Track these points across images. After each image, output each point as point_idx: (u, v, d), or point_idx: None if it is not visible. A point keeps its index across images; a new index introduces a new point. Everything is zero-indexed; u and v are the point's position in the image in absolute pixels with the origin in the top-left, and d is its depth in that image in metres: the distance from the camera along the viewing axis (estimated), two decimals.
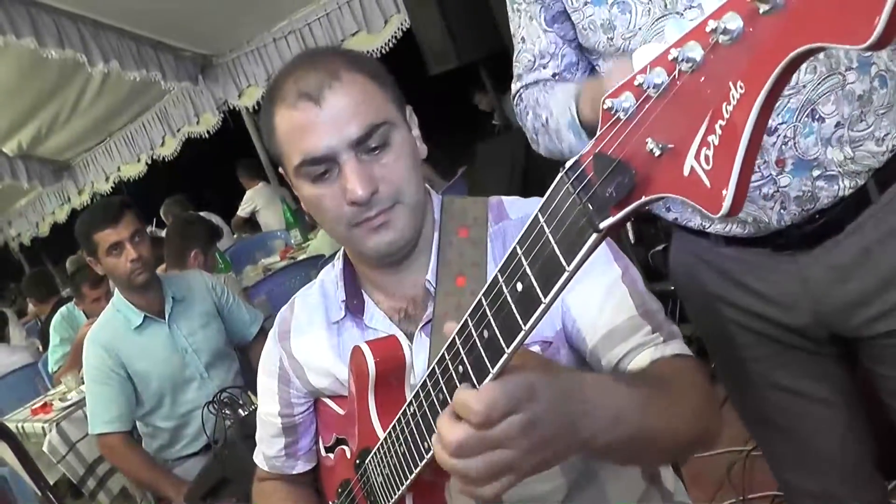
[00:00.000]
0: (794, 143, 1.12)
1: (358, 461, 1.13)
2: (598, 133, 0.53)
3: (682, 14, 1.11)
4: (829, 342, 1.29)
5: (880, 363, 1.25)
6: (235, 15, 5.64)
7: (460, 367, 0.77)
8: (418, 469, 0.94)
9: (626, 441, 0.87)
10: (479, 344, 0.72)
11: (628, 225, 3.22)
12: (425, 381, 0.86)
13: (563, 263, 0.57)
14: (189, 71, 6.04)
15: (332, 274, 1.27)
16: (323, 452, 1.33)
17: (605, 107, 0.51)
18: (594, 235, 0.54)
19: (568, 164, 0.56)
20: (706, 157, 0.45)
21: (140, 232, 2.69)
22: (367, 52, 5.73)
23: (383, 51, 5.63)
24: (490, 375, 0.73)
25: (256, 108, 6.47)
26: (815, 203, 1.15)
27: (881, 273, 1.17)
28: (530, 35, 1.32)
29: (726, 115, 0.44)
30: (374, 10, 5.46)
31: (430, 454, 0.90)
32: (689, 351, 1.07)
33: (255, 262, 5.09)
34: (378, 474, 1.06)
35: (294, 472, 1.38)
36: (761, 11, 0.41)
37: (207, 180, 9.06)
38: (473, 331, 0.73)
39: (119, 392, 2.71)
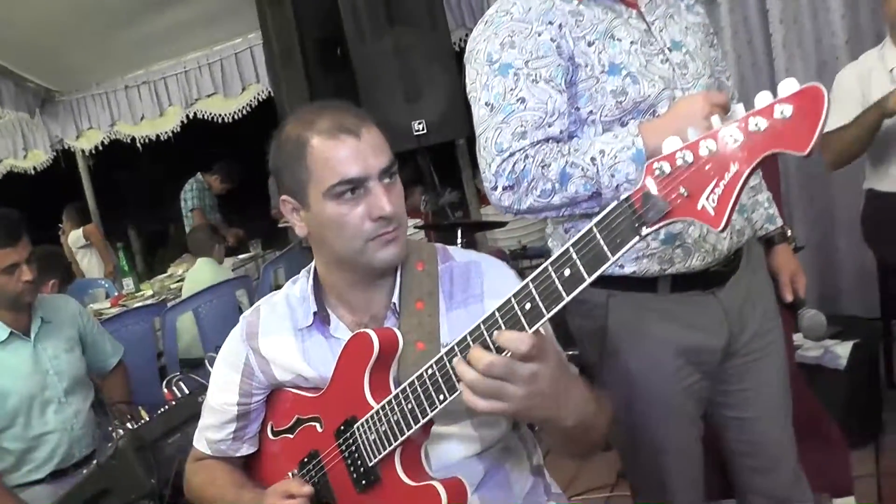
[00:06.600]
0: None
1: (342, 427, 1.37)
2: (640, 183, 0.94)
3: (684, 90, 1.55)
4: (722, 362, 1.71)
5: (737, 381, 1.74)
6: (90, 54, 5.55)
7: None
8: (425, 420, 1.23)
9: (578, 424, 1.23)
10: (520, 314, 1.07)
11: None
12: (453, 346, 1.17)
13: (609, 255, 0.97)
14: (28, 102, 5.84)
15: (295, 289, 1.51)
16: (270, 436, 1.55)
17: (653, 167, 0.93)
18: (636, 238, 0.95)
19: (622, 198, 0.96)
20: (712, 199, 0.89)
21: (32, 252, 2.70)
22: (220, 114, 5.87)
23: (236, 116, 5.76)
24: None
25: (94, 151, 6.35)
26: (741, 238, 1.67)
27: (752, 298, 1.72)
28: (535, 95, 1.48)
29: (726, 179, 0.88)
30: (233, 77, 5.64)
31: (427, 416, 1.23)
32: None
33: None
34: (371, 433, 1.31)
35: (237, 455, 1.58)
36: (750, 130, 0.85)
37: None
38: (516, 305, 1.08)
39: None
